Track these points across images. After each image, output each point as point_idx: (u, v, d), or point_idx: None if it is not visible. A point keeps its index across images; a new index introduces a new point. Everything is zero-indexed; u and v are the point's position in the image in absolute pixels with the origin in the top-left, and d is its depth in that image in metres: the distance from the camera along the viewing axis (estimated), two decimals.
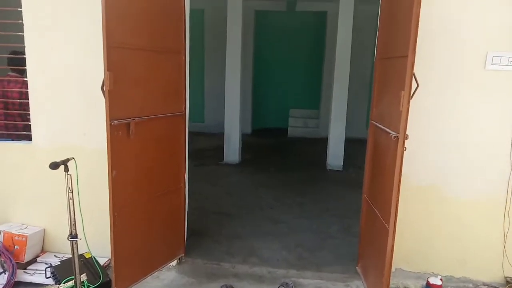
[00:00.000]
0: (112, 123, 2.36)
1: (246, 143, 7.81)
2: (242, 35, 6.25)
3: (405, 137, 2.13)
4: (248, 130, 9.66)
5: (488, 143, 2.85)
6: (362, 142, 6.58)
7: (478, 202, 2.92)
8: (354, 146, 6.66)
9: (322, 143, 8.76)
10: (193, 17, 9.32)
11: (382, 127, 2.56)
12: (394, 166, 2.21)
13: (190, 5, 3.17)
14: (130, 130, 2.49)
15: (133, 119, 2.51)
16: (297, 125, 9.83)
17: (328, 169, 6.46)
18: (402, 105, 2.09)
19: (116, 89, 2.33)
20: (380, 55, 2.86)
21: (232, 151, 6.61)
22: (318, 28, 9.79)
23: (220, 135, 6.95)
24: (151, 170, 2.80)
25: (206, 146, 8.01)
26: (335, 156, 6.39)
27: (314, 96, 10.17)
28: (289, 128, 9.70)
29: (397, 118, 2.19)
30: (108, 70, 2.26)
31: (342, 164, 6.42)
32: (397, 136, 2.18)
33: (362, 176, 3.20)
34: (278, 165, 6.71)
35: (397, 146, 2.16)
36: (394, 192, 2.22)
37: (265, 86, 10.41)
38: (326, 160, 6.62)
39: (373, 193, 2.88)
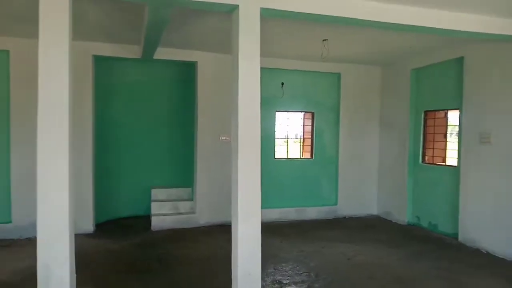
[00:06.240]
0: None
1: (85, 255, 4.69)
2: (69, 89, 3.45)
3: None
4: (89, 227, 6.40)
5: None
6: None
7: None
8: None
9: (204, 237, 6.18)
10: None
11: None
12: None
13: None
14: None
15: None
16: (164, 211, 7.03)
17: None
18: None
19: None
20: None
21: None
22: (186, 82, 7.57)
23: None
24: None
25: (7, 276, 4.48)
26: (247, 277, 3.86)
27: (185, 169, 7.67)
28: (153, 218, 6.80)
29: None
30: None
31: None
32: None
33: None
34: None
35: None
36: None
37: (114, 159, 7.44)
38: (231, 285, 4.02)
39: None
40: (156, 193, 7.37)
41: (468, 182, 5.90)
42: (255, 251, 3.90)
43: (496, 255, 5.37)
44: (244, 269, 3.86)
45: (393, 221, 7.50)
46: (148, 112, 7.67)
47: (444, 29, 4.56)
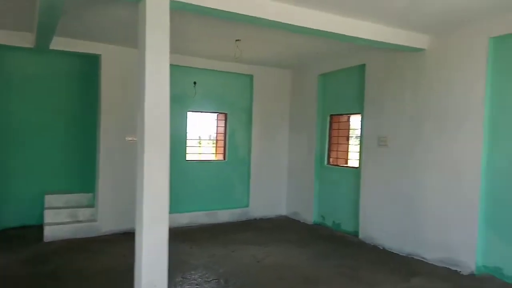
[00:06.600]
0: None
1: None
2: None
3: None
4: None
5: None
6: None
7: None
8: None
9: (106, 247, 5.63)
10: None
11: None
12: None
13: None
14: None
15: None
16: (60, 219, 6.33)
17: None
18: None
19: None
20: None
21: None
22: (88, 77, 6.92)
23: None
24: None
25: None
26: None
27: (85, 172, 6.99)
28: (46, 227, 6.05)
29: None
30: None
31: None
32: None
33: None
34: None
35: None
36: None
37: (0, 162, 6.48)
38: None
39: None
40: (50, 199, 6.58)
41: (367, 182, 6.33)
42: (161, 260, 3.65)
43: (392, 251, 5.82)
44: (149, 280, 3.58)
45: (301, 221, 7.75)
46: (42, 109, 6.82)
47: (345, 35, 4.80)
